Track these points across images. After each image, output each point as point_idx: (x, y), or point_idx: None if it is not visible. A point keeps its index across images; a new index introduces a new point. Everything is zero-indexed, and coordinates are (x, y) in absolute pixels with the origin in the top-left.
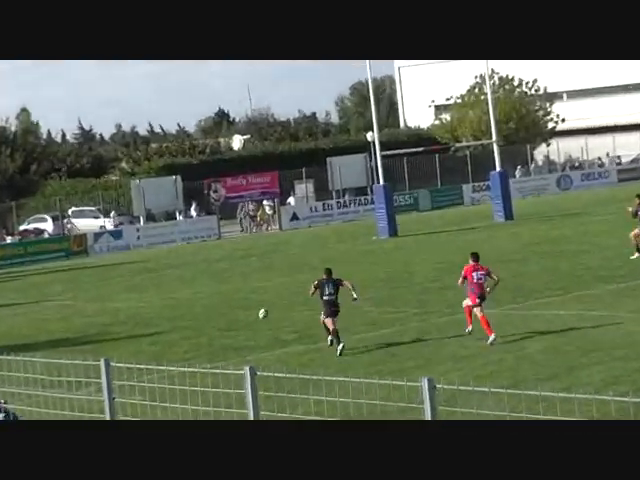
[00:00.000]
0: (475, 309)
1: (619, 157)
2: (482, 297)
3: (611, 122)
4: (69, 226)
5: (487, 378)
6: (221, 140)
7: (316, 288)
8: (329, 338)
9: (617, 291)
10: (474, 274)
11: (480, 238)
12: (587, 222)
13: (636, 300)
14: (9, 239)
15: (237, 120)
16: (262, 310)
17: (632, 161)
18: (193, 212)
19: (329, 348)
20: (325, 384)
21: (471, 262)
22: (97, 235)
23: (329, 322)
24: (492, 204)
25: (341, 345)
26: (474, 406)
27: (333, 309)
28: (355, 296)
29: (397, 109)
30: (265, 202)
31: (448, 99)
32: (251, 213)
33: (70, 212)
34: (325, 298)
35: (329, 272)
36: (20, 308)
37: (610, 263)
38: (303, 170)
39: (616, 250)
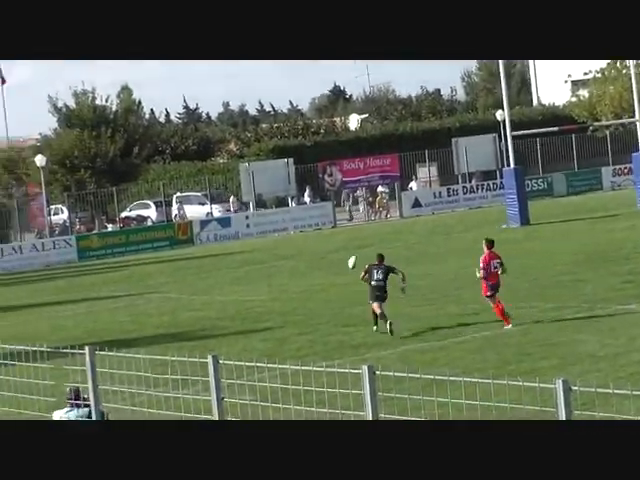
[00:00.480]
0: (489, 300)
1: None
2: (496, 287)
3: None
4: (180, 212)
5: (628, 380)
6: (337, 120)
7: (366, 272)
8: (374, 327)
9: None
10: (491, 263)
11: (622, 227)
12: None
13: None
14: (110, 227)
15: (354, 98)
16: (352, 258)
17: None
18: (307, 198)
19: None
20: (450, 385)
21: (486, 250)
22: (204, 223)
23: (376, 306)
24: (635, 189)
25: (388, 323)
26: (614, 411)
27: (378, 294)
28: (403, 285)
29: (529, 85)
30: (380, 188)
31: (586, 74)
32: (369, 199)
33: (175, 198)
34: (373, 283)
35: (381, 258)
36: (122, 301)
37: None
38: (426, 152)
39: None
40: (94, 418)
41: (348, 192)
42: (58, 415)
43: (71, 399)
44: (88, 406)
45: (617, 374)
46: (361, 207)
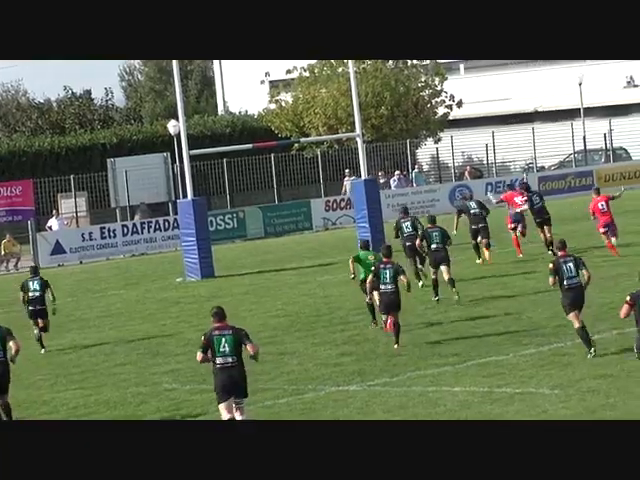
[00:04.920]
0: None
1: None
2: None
3: (530, 108)
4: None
5: None
6: None
7: None
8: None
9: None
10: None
11: (339, 280)
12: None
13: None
14: None
15: None
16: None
17: (558, 166)
18: None
19: None
20: None
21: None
22: None
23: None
24: (356, 228)
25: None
26: None
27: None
28: None
29: (214, 86)
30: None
31: (290, 71)
32: None
33: None
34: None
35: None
36: None
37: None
38: (71, 177)
39: None
40: None
41: None
42: None
43: None
44: None
45: None
46: None
